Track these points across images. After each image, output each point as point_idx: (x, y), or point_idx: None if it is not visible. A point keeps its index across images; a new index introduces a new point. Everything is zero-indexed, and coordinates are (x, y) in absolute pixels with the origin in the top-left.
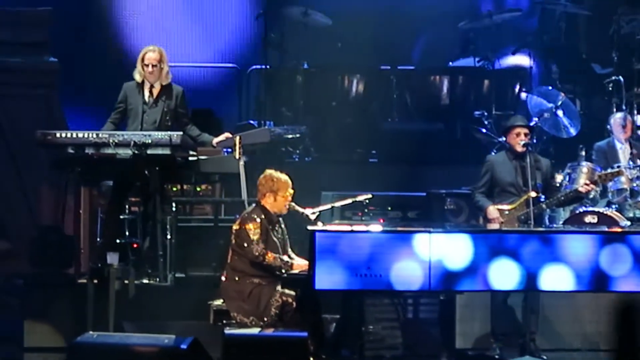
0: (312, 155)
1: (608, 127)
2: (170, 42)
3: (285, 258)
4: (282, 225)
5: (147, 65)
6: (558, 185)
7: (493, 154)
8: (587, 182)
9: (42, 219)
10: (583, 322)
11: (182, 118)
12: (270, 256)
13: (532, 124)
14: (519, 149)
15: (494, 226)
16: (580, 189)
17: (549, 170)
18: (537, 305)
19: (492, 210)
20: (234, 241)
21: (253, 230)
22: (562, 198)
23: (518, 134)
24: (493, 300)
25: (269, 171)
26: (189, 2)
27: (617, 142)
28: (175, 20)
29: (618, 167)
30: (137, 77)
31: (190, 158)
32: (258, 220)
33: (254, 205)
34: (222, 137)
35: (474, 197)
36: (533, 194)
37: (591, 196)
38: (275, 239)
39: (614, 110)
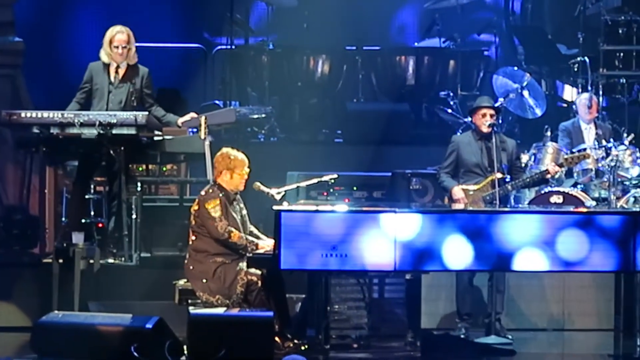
0: (278, 135)
1: (573, 107)
2: (136, 21)
3: (251, 238)
4: (241, 204)
5: (117, 47)
6: (523, 166)
7: (459, 134)
8: (554, 164)
9: (7, 199)
10: (548, 302)
11: (148, 98)
12: (235, 234)
13: (497, 104)
14: (485, 129)
15: (459, 206)
16: (550, 169)
17: (515, 151)
18: (502, 285)
19: (457, 191)
20: (193, 222)
21: (213, 208)
22: (528, 180)
23: (484, 115)
24: (458, 280)
25: (225, 149)
26: None
27: (583, 123)
28: (142, 0)
29: (584, 149)
30: (104, 57)
31: (156, 138)
32: (216, 198)
33: (210, 184)
34: (187, 117)
35: (439, 177)
36: (499, 175)
37: (557, 177)
38: (235, 214)
39: (579, 91)
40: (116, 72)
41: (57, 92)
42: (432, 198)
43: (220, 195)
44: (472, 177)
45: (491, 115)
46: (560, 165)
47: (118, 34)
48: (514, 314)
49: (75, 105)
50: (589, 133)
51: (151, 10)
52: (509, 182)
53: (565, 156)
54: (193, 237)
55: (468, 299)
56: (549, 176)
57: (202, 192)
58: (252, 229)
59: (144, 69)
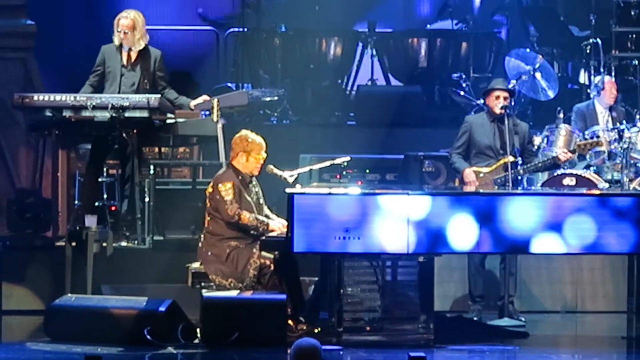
0: (290, 118)
1: (594, 87)
2: (149, 4)
3: (261, 217)
4: (257, 186)
5: (120, 32)
6: (536, 148)
7: (472, 114)
8: (566, 150)
9: (20, 182)
10: (561, 285)
11: (160, 81)
12: (245, 215)
13: (510, 86)
14: (498, 111)
15: (471, 188)
16: (560, 156)
17: (527, 134)
18: (514, 267)
19: (469, 173)
20: (208, 204)
21: (226, 190)
22: (540, 164)
23: (497, 97)
24: (470, 262)
25: (244, 131)
26: None
27: (599, 106)
28: None
29: (597, 132)
30: (116, 40)
31: (168, 121)
32: (230, 180)
33: (226, 166)
34: (200, 100)
35: (450, 157)
36: (511, 159)
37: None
38: (249, 198)
39: (592, 72)
40: (128, 55)
41: (70, 75)
42: (445, 180)
43: (235, 177)
44: (484, 159)
45: (505, 98)
46: (572, 152)
47: (122, 18)
48: (526, 297)
49: (88, 88)
50: (604, 116)
51: None
52: (521, 166)
53: (578, 142)
54: (208, 219)
55: (480, 282)
56: (560, 162)
57: (217, 175)
58: (267, 211)
59: (156, 51)
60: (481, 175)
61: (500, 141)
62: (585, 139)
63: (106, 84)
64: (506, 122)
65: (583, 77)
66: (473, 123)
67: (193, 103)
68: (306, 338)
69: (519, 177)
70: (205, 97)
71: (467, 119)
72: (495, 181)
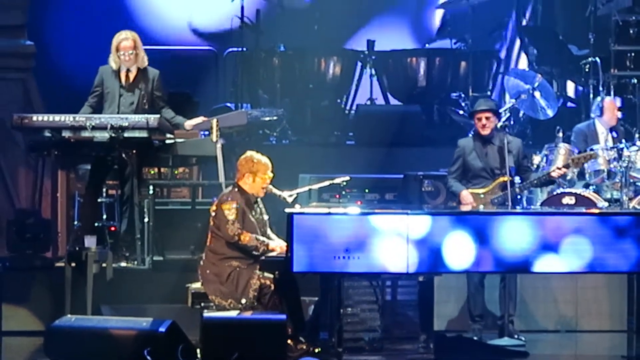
0: (290, 137)
1: (595, 107)
2: (147, 24)
3: (261, 238)
4: (261, 206)
5: (124, 54)
6: (535, 167)
7: (470, 135)
8: (559, 166)
9: (20, 203)
10: (561, 304)
11: (158, 101)
12: (245, 236)
13: (507, 105)
14: (483, 132)
15: (463, 207)
16: (552, 173)
17: (521, 150)
18: (514, 286)
19: (466, 195)
20: (212, 223)
21: (229, 210)
22: (535, 181)
23: (479, 119)
24: (469, 281)
25: (250, 152)
26: None
27: (600, 126)
28: (152, 3)
29: (591, 149)
30: (113, 64)
31: (168, 141)
32: (235, 200)
33: (231, 186)
34: (196, 121)
35: (447, 182)
36: (506, 178)
37: (568, 177)
38: (253, 219)
39: (591, 91)
40: (127, 75)
41: (69, 96)
42: (444, 200)
43: (239, 198)
44: (480, 180)
45: (487, 118)
46: (566, 167)
47: (123, 40)
48: (526, 316)
49: (87, 109)
50: (605, 136)
51: (163, 12)
52: (518, 185)
53: (572, 157)
54: (211, 238)
55: (479, 301)
56: (554, 178)
57: (223, 194)
58: (269, 232)
59: (154, 71)
60: (481, 196)
61: (494, 161)
62: (580, 153)
63: (105, 104)
64: (497, 140)
65: (571, 91)
66: (465, 147)
67: (189, 123)
68: (308, 358)
69: (519, 196)
70: (202, 118)
71: (460, 143)
72: (493, 201)
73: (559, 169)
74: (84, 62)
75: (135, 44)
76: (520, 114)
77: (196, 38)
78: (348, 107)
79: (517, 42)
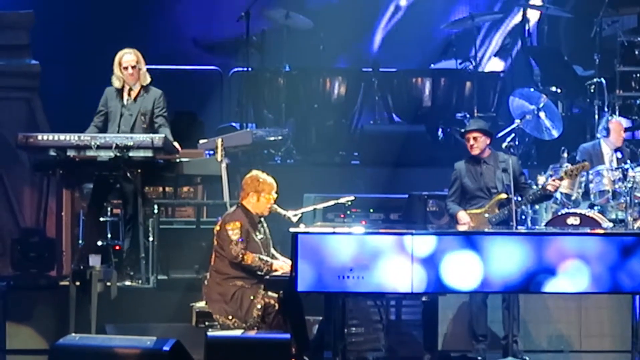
0: (294, 157)
1: (601, 128)
2: (153, 44)
3: (265, 258)
4: (265, 226)
5: (126, 68)
6: (529, 182)
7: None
8: (553, 179)
9: (24, 222)
10: (565, 324)
11: (157, 119)
12: (249, 256)
13: (512, 126)
14: (472, 152)
15: (475, 228)
16: (547, 186)
17: (517, 167)
18: (516, 307)
19: (462, 215)
20: (216, 243)
21: (233, 230)
22: (531, 197)
23: (468, 139)
24: (472, 301)
25: (255, 171)
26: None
27: (605, 146)
28: (157, 22)
29: (584, 160)
30: (116, 83)
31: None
32: (239, 221)
33: (235, 206)
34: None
35: (446, 205)
36: (503, 196)
37: (573, 198)
38: (257, 239)
39: (596, 111)
40: (129, 94)
41: (74, 115)
42: (449, 220)
43: (243, 218)
44: (478, 201)
45: (474, 138)
46: (560, 179)
47: (126, 54)
48: (530, 336)
49: (94, 129)
50: (610, 156)
51: (167, 32)
52: (516, 201)
53: (565, 169)
54: (215, 258)
55: (482, 320)
56: (549, 192)
57: (227, 214)
58: (273, 252)
59: (157, 91)
60: (481, 215)
61: (490, 181)
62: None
63: (108, 124)
64: (492, 160)
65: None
66: (460, 169)
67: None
68: None
69: (524, 216)
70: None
71: (456, 165)
72: (491, 220)
73: (553, 181)
74: (88, 81)
75: (138, 60)
76: (525, 135)
77: (202, 57)
78: (353, 127)
79: (522, 63)
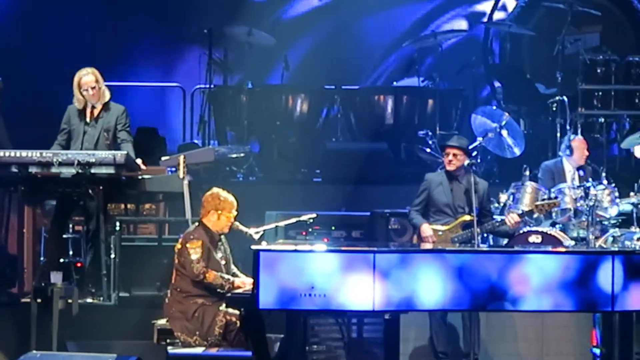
0: (257, 174)
1: (564, 147)
2: (115, 60)
3: (226, 276)
4: (225, 244)
5: (87, 90)
6: (501, 206)
7: (439, 170)
8: (514, 214)
9: None
10: (526, 342)
11: (120, 135)
12: (210, 274)
13: (475, 144)
14: (448, 168)
15: (428, 245)
16: (506, 220)
17: (486, 193)
18: (476, 325)
19: (426, 228)
20: (176, 261)
21: (194, 249)
22: (489, 227)
23: (447, 154)
24: (432, 318)
25: (216, 189)
26: (133, 21)
27: (567, 164)
28: (119, 39)
29: (555, 197)
30: (77, 104)
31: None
32: (199, 239)
33: (196, 224)
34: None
35: (409, 214)
36: (467, 218)
37: (535, 216)
38: (217, 257)
39: (558, 129)
40: (91, 112)
41: (36, 131)
42: (411, 237)
43: (204, 236)
44: (443, 216)
45: (454, 155)
46: (521, 215)
47: (84, 76)
48: (492, 354)
49: (57, 147)
50: (572, 174)
51: (129, 48)
52: (479, 226)
53: (536, 203)
54: (176, 276)
55: (442, 337)
56: (510, 226)
57: (187, 232)
58: (234, 269)
59: (120, 107)
60: (440, 233)
61: (459, 199)
62: (544, 199)
63: (71, 142)
64: (465, 179)
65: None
66: (432, 181)
67: (139, 161)
68: None
69: (485, 234)
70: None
71: (427, 176)
72: (453, 239)
73: (513, 217)
74: (51, 98)
75: (97, 79)
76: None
77: (163, 74)
78: (315, 145)
79: (484, 81)
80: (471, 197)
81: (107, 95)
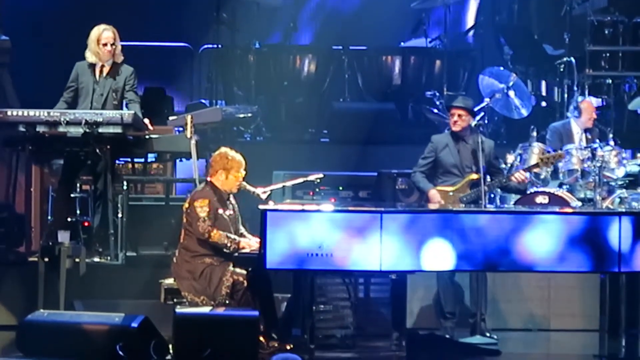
0: (264, 134)
1: (572, 108)
2: (122, 20)
3: (232, 236)
4: (234, 203)
5: (105, 45)
6: (509, 166)
7: (446, 131)
8: (521, 171)
9: None
10: (534, 302)
11: (128, 95)
12: (216, 233)
13: (482, 104)
14: (453, 128)
15: (435, 206)
16: (512, 178)
17: (492, 151)
18: (483, 285)
19: (434, 194)
20: (185, 220)
21: (201, 207)
22: (497, 183)
23: (452, 115)
24: (439, 278)
25: (224, 149)
26: None
27: (575, 126)
28: None
29: (561, 149)
30: (90, 57)
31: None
32: (206, 198)
33: (204, 183)
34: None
35: (414, 176)
36: (476, 176)
37: (542, 176)
38: (225, 216)
39: (566, 90)
40: (101, 70)
41: (44, 91)
42: (418, 198)
43: (211, 195)
44: (450, 177)
45: (459, 115)
46: (527, 170)
47: (105, 31)
48: (498, 314)
49: (63, 105)
50: (580, 136)
51: (137, 8)
52: (487, 183)
53: (541, 156)
54: (184, 235)
55: (450, 297)
56: (514, 181)
57: (195, 191)
58: (242, 229)
59: (129, 68)
60: (450, 194)
61: (466, 159)
62: (551, 155)
63: (79, 99)
64: (472, 139)
65: (558, 96)
66: (439, 142)
67: (147, 121)
68: (280, 355)
69: (492, 194)
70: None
71: (433, 138)
72: (462, 199)
73: (520, 173)
74: (59, 57)
75: (115, 37)
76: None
77: (172, 33)
78: (323, 105)
79: (492, 41)
80: (478, 156)
81: (121, 57)
